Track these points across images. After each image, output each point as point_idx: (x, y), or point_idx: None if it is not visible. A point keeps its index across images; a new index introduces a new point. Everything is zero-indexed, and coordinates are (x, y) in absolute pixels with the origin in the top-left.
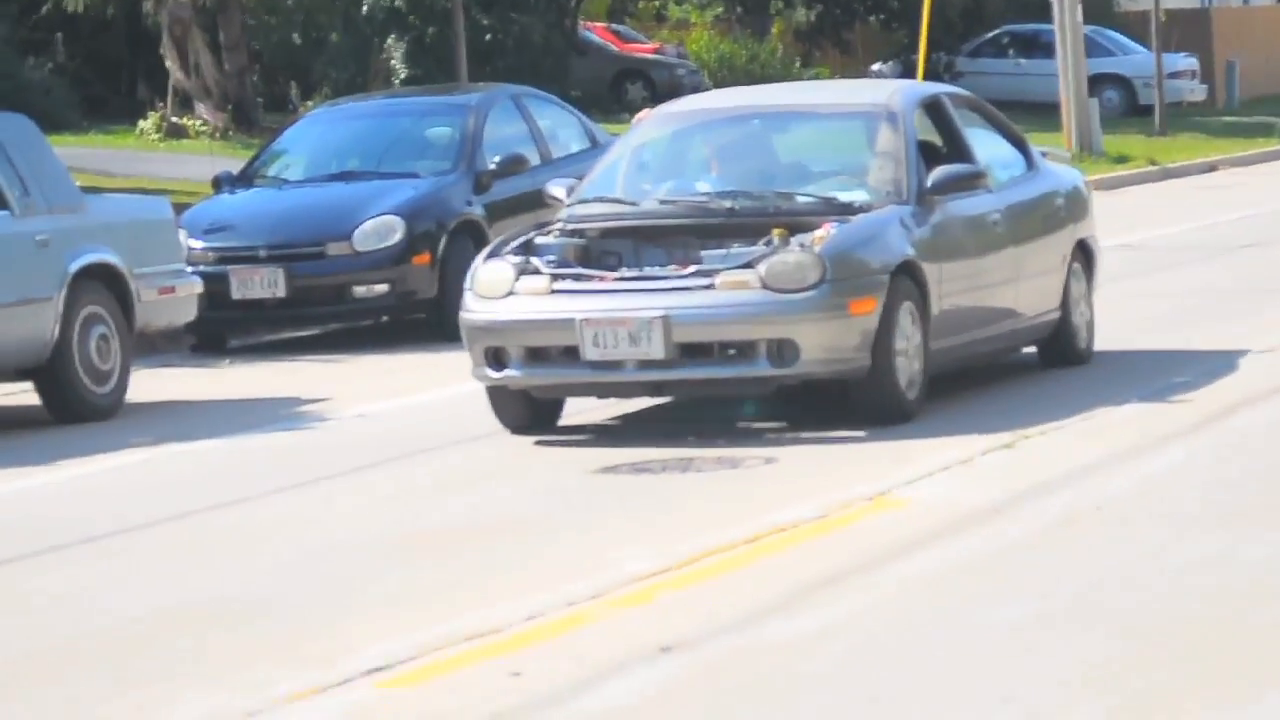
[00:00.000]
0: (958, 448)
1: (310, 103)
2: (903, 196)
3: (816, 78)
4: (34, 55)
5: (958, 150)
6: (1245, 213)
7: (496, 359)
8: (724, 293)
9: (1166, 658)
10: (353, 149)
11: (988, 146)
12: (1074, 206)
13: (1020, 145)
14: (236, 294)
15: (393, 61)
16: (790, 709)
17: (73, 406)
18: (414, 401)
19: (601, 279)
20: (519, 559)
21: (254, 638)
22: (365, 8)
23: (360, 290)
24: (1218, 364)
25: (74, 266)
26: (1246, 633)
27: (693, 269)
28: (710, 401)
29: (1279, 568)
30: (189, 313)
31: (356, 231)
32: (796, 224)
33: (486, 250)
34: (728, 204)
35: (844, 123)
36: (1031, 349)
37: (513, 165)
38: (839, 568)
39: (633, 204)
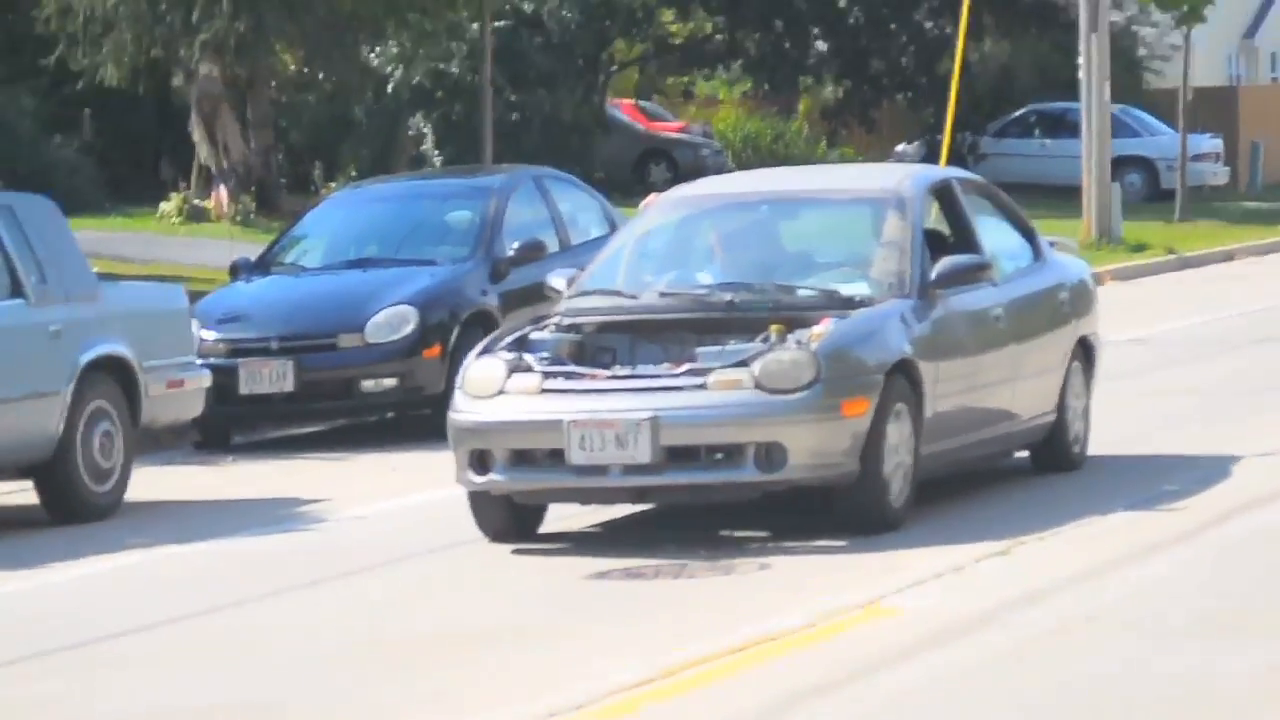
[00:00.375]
0: (946, 556)
1: (334, 184)
2: (905, 289)
3: (841, 157)
4: (61, 133)
5: (965, 239)
6: (1260, 305)
7: (481, 463)
8: (716, 393)
9: None
10: (372, 234)
11: (996, 235)
12: (1079, 301)
13: (1028, 235)
14: (244, 388)
15: (424, 145)
16: None
17: (72, 506)
18: (412, 502)
19: (593, 378)
20: (505, 667)
21: None
22: (391, 86)
23: (368, 384)
24: (1211, 470)
25: (84, 359)
26: None
27: (686, 368)
28: (693, 510)
29: (1260, 681)
30: (196, 408)
31: (369, 323)
32: (796, 319)
33: (480, 346)
34: (727, 298)
35: (852, 209)
36: (1024, 453)
37: (531, 252)
38: (826, 678)
39: (631, 297)
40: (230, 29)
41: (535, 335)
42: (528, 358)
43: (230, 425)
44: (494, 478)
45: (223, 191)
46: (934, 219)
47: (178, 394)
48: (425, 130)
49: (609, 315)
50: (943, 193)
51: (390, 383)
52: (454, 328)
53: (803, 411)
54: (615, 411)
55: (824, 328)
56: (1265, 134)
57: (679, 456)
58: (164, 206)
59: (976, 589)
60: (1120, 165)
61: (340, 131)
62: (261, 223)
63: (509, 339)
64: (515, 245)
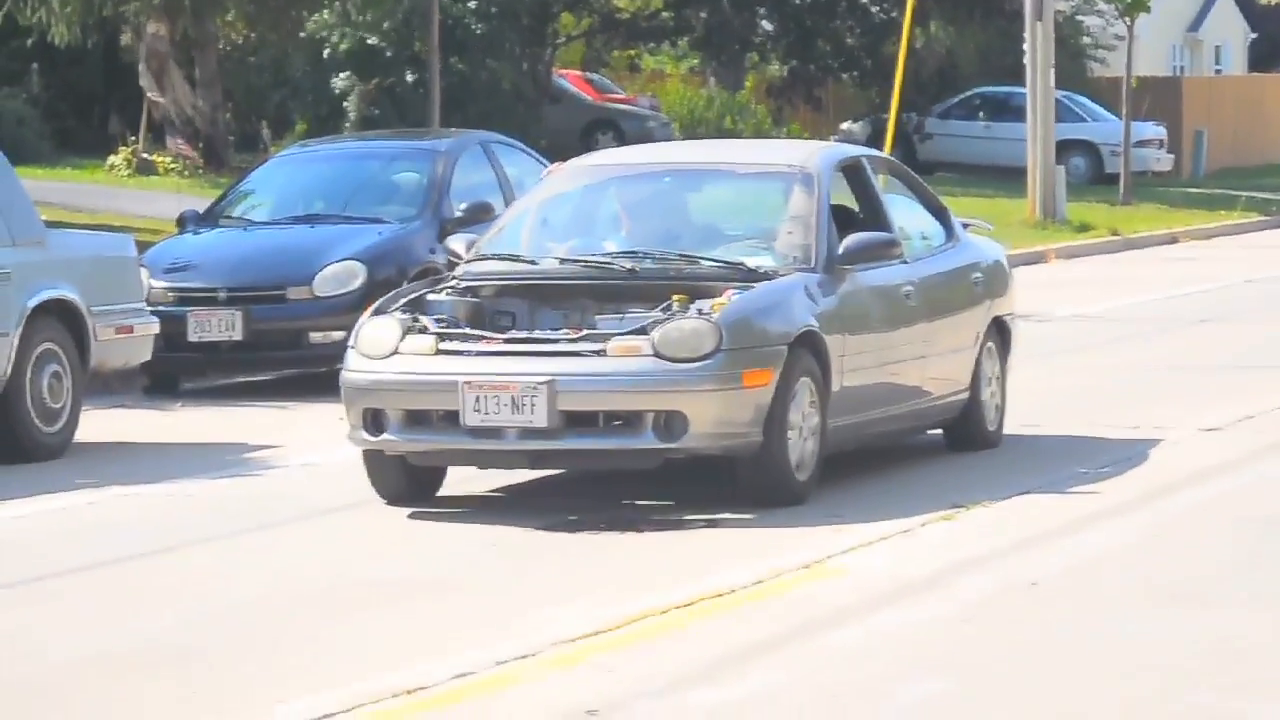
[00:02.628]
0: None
1: (282, 143)
2: (811, 263)
3: (788, 134)
4: (7, 85)
5: (875, 217)
6: (1202, 287)
7: (374, 423)
8: (614, 360)
9: None
10: (319, 192)
11: (907, 214)
12: (993, 282)
13: (941, 215)
14: (193, 335)
15: (345, 104)
16: None
17: (20, 445)
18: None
19: (489, 340)
20: (446, 618)
21: (183, 687)
22: (326, 52)
23: (316, 337)
24: (1150, 445)
25: (32, 302)
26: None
27: (585, 333)
28: (594, 478)
29: (1205, 649)
30: (145, 353)
31: (317, 276)
32: (699, 289)
33: (374, 306)
34: (629, 266)
35: (759, 183)
36: (937, 430)
37: (478, 213)
38: (773, 634)
39: (531, 263)
40: None
41: (432, 297)
42: (423, 319)
43: (179, 371)
44: (388, 438)
45: (177, 144)
46: (844, 197)
47: (127, 339)
48: (351, 95)
49: (508, 279)
50: (852, 170)
51: (338, 335)
52: (402, 284)
53: (703, 380)
54: (511, 375)
55: (726, 298)
56: (1208, 124)
57: (577, 422)
58: (113, 159)
59: (922, 552)
60: (1064, 149)
61: (284, 93)
62: (210, 177)
63: (404, 299)
64: (463, 206)
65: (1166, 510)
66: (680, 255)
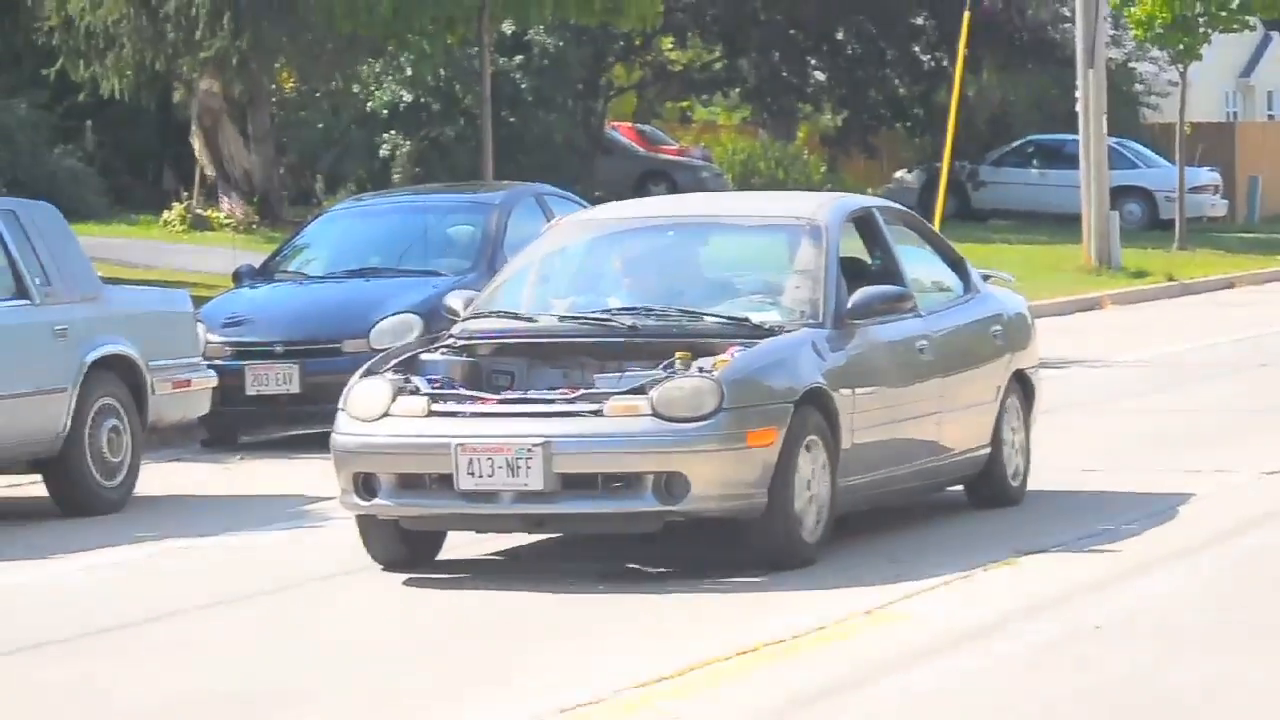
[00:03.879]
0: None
1: (335, 197)
2: (819, 319)
3: (836, 185)
4: (63, 143)
5: (887, 270)
6: (1260, 331)
7: (366, 487)
8: (612, 420)
9: None
10: (374, 245)
11: (923, 267)
12: (1013, 335)
13: (958, 267)
14: (251, 389)
15: (392, 161)
16: None
17: (81, 499)
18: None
19: (483, 401)
20: (509, 666)
21: None
22: (370, 106)
23: None
24: (1213, 488)
25: (90, 357)
26: None
27: (581, 392)
28: (597, 541)
29: (1274, 693)
30: (202, 407)
31: (374, 329)
32: (702, 346)
33: (365, 366)
34: (629, 323)
35: (765, 236)
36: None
37: None
38: (836, 681)
39: (530, 320)
40: (231, 47)
41: (426, 356)
42: (415, 380)
43: (237, 425)
44: (380, 502)
45: (232, 200)
46: (858, 251)
47: (184, 393)
48: (400, 150)
49: (505, 337)
50: (863, 222)
51: None
52: None
53: (705, 441)
54: (506, 436)
55: (729, 355)
56: (1262, 169)
57: (575, 484)
58: (167, 215)
59: (985, 598)
60: (1119, 195)
61: (336, 149)
62: (265, 232)
63: (396, 360)
64: None
65: (1231, 553)
66: (683, 311)
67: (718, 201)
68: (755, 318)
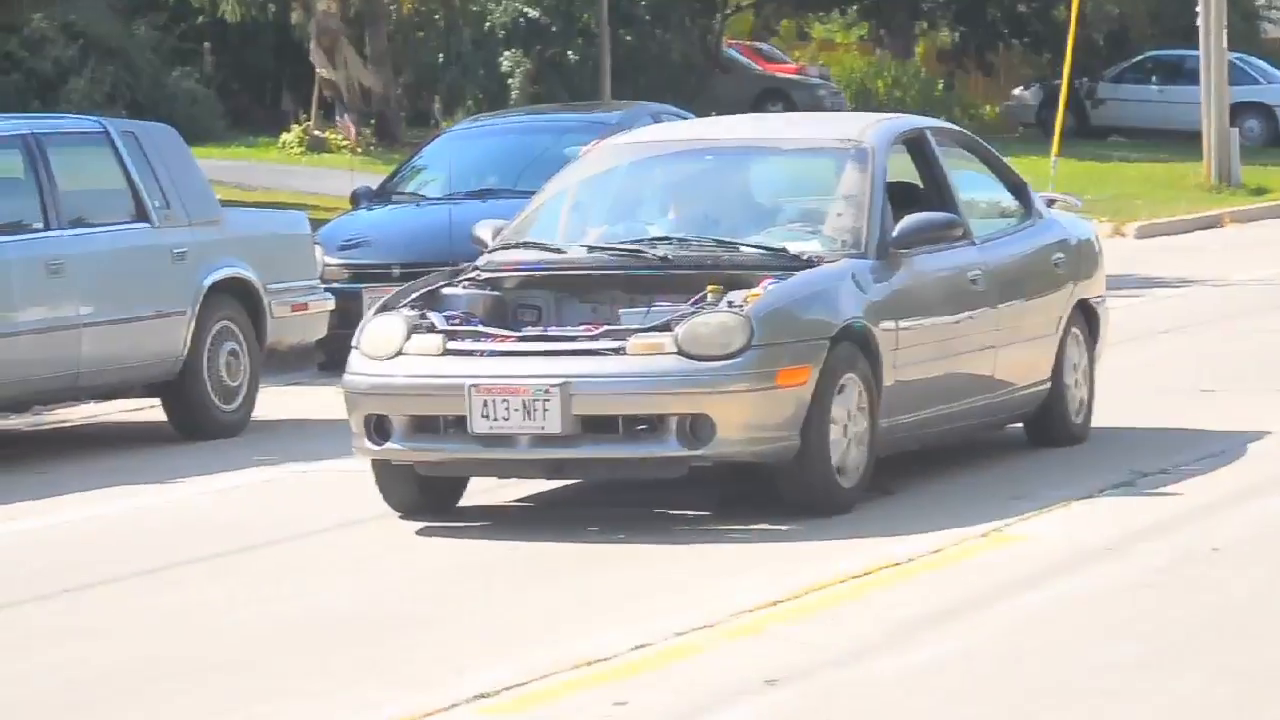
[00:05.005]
0: (1068, 487)
1: (452, 118)
2: (861, 248)
3: (959, 101)
4: (181, 65)
5: (939, 195)
6: None
7: (379, 430)
8: (634, 359)
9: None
10: (492, 167)
11: (981, 191)
12: (1078, 263)
13: (1019, 191)
14: (368, 311)
15: (510, 80)
16: None
17: (199, 423)
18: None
19: (501, 339)
20: (626, 588)
21: (366, 658)
22: (488, 24)
23: None
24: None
25: (209, 280)
26: None
27: (603, 329)
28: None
29: None
30: (320, 330)
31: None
32: (737, 279)
33: (381, 301)
34: (661, 254)
35: (809, 161)
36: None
37: None
38: (952, 603)
39: (558, 251)
40: None
41: (448, 291)
42: (432, 316)
43: None
44: (392, 446)
45: (348, 120)
46: (909, 174)
47: (302, 316)
48: (519, 69)
49: (529, 270)
50: (915, 144)
51: None
52: None
53: (731, 380)
54: (522, 377)
55: (762, 289)
56: None
57: (595, 428)
58: (285, 137)
59: (1100, 520)
60: (1239, 111)
61: (454, 70)
62: (382, 154)
63: (416, 294)
64: None
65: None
66: (718, 242)
67: (762, 124)
68: (794, 248)
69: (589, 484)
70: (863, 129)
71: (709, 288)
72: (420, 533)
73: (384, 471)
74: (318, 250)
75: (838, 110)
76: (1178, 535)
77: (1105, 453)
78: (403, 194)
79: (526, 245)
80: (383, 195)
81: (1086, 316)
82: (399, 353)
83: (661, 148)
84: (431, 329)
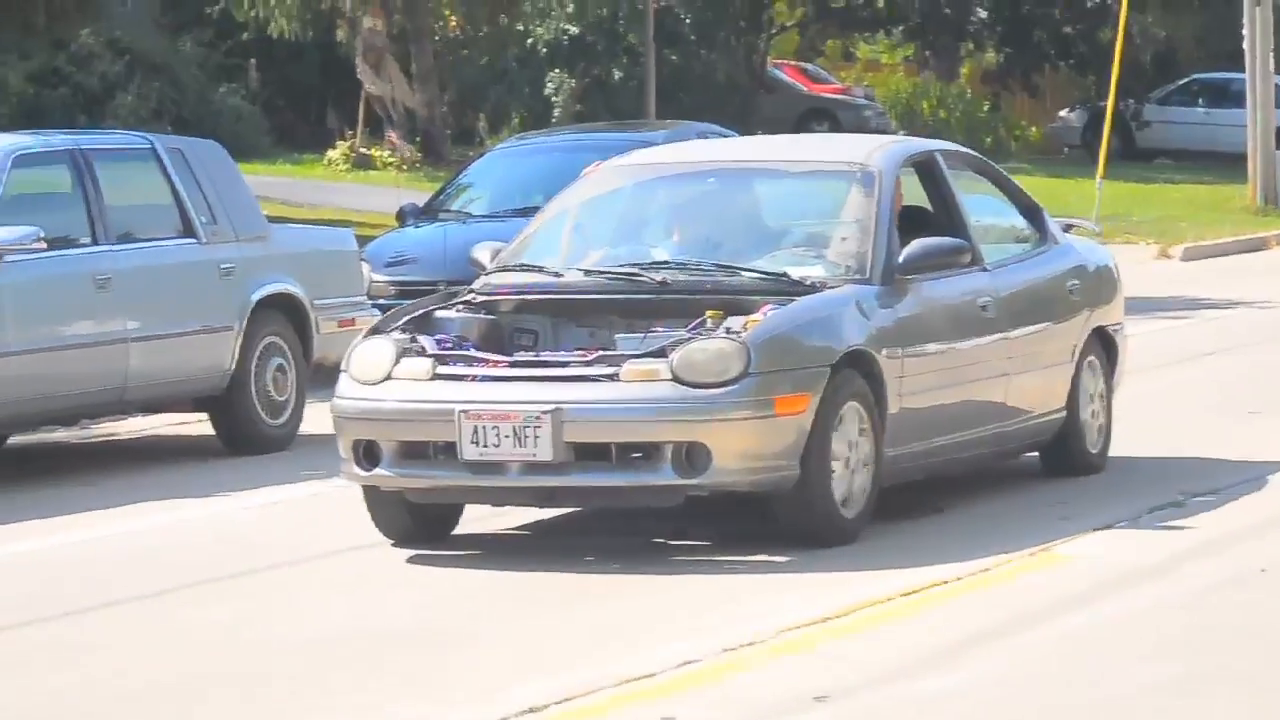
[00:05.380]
0: (1116, 509)
1: (498, 136)
2: (866, 274)
3: (1003, 122)
4: (227, 81)
5: (949, 219)
6: None
7: (368, 455)
8: (628, 385)
9: None
10: (538, 184)
11: (994, 216)
12: (1094, 289)
13: (1033, 215)
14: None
15: (554, 98)
16: None
17: (246, 438)
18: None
19: (492, 364)
20: (674, 606)
21: (409, 673)
22: (530, 41)
23: None
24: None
25: (256, 296)
26: None
27: (597, 355)
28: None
29: None
30: None
31: None
32: (736, 304)
33: (373, 324)
34: (659, 278)
35: (814, 183)
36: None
37: None
38: (999, 622)
39: (554, 274)
40: None
41: (441, 314)
42: (422, 339)
43: None
44: (381, 472)
45: (394, 137)
46: (920, 199)
47: (349, 332)
48: (564, 88)
49: (525, 293)
50: (924, 167)
51: None
52: None
53: (728, 408)
54: (513, 403)
55: (762, 314)
56: None
57: (588, 455)
58: (330, 154)
59: (1149, 540)
60: None
61: (499, 88)
62: (427, 171)
63: (407, 317)
64: None
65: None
66: (718, 266)
67: (767, 146)
68: (796, 273)
69: (599, 513)
70: (870, 151)
71: (708, 313)
72: (464, 547)
73: (374, 498)
74: (365, 267)
75: (882, 131)
76: (1225, 556)
77: (1153, 474)
78: (449, 211)
79: (524, 268)
80: (429, 212)
81: (1104, 344)
82: (388, 377)
83: (665, 169)
84: (421, 353)
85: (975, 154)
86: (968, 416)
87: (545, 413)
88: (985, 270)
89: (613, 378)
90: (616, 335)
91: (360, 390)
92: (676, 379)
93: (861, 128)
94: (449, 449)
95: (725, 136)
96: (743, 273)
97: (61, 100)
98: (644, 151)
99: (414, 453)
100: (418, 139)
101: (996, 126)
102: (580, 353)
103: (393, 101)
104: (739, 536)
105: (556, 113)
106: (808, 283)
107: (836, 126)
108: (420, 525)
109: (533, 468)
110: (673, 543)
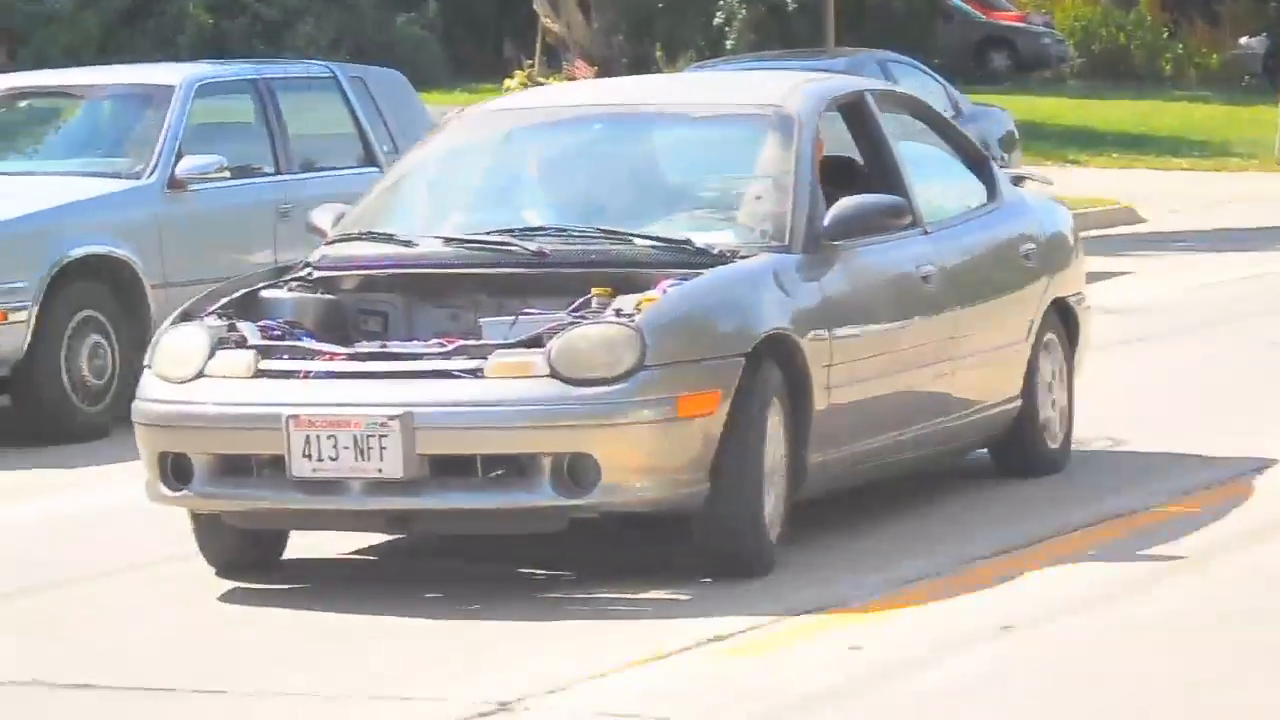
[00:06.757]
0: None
1: (675, 65)
2: (785, 240)
3: (1183, 50)
4: (405, 11)
5: (882, 172)
6: None
7: (176, 470)
8: (496, 382)
9: None
10: None
11: (934, 169)
12: (1051, 255)
13: (980, 168)
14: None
15: (726, 28)
16: (1120, 694)
17: None
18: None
19: (328, 357)
20: (863, 537)
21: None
22: None
23: None
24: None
25: None
26: None
27: (457, 344)
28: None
29: None
30: None
31: None
32: (630, 278)
33: (182, 308)
34: (533, 247)
35: (720, 130)
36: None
37: None
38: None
39: (407, 244)
40: None
41: (269, 294)
42: (242, 327)
43: None
44: (192, 492)
45: (575, 66)
46: (846, 147)
47: None
48: (737, 17)
49: (371, 267)
50: (852, 109)
51: None
52: None
53: (620, 410)
54: (354, 406)
55: (659, 292)
56: None
57: (446, 470)
58: (508, 83)
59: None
60: None
61: (673, 16)
62: None
63: (226, 298)
64: None
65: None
66: (606, 232)
67: (664, 86)
68: (700, 239)
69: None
70: (787, 92)
71: (594, 291)
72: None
73: (201, 522)
74: None
75: (1062, 61)
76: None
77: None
78: None
79: (370, 236)
80: None
81: (1064, 319)
82: (200, 374)
83: (540, 115)
84: (241, 343)
85: (910, 95)
86: (908, 411)
87: (392, 418)
88: (925, 234)
89: (476, 373)
90: (482, 319)
91: (166, 390)
92: (555, 374)
93: (1040, 55)
94: (276, 463)
95: (906, 64)
96: (635, 240)
97: (241, 30)
98: (517, 95)
99: (233, 468)
100: (594, 68)
101: (1175, 54)
102: (437, 342)
103: (569, 31)
104: (621, 567)
105: (729, 41)
106: (714, 251)
107: (1015, 55)
108: (249, 550)
109: (379, 487)
110: (540, 573)
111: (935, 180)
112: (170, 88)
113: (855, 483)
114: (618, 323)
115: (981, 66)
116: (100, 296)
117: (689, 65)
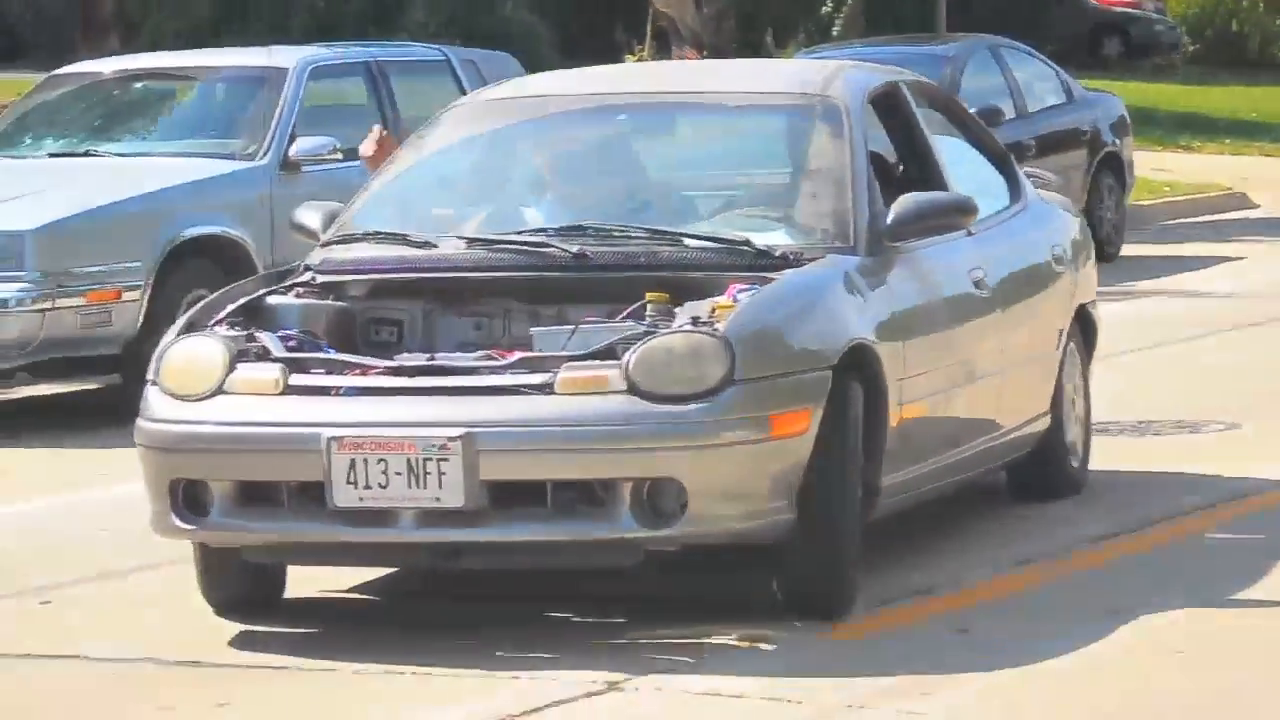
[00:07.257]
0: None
1: (784, 50)
2: (850, 241)
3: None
4: None
5: (922, 170)
6: None
7: (190, 500)
8: (567, 399)
9: None
10: None
11: (962, 166)
12: (1075, 257)
13: (1003, 165)
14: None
15: (835, 14)
16: (1220, 677)
17: None
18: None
19: (369, 371)
20: (969, 522)
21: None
22: None
23: None
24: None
25: None
26: None
27: (517, 357)
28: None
29: None
30: None
31: None
32: (685, 284)
33: (182, 319)
34: (574, 249)
35: (761, 121)
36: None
37: (989, 118)
38: None
39: (423, 245)
40: None
41: (274, 300)
42: (263, 337)
43: None
44: (212, 524)
45: (687, 51)
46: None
47: None
48: (847, 2)
49: (387, 270)
50: (887, 100)
51: None
52: None
53: (709, 430)
54: (408, 426)
55: (730, 298)
56: None
57: (509, 499)
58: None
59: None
60: None
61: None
62: None
63: (233, 305)
64: (973, 111)
65: None
66: (652, 232)
67: (692, 73)
68: (758, 239)
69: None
70: (828, 79)
71: (648, 296)
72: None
73: (204, 554)
74: None
75: (1174, 47)
76: None
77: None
78: None
79: (378, 237)
80: None
81: (1084, 327)
82: (219, 390)
83: (559, 104)
84: (264, 355)
85: (936, 85)
86: (965, 428)
87: (453, 439)
88: (970, 235)
89: (545, 389)
90: (534, 330)
91: (178, 409)
92: (634, 389)
93: (1152, 42)
94: (308, 491)
95: (1019, 50)
96: (687, 241)
97: (354, 12)
98: (533, 78)
99: (260, 496)
100: (705, 53)
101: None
102: (488, 354)
103: (680, 15)
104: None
105: (836, 28)
106: (777, 253)
107: (1127, 42)
108: (255, 589)
109: (435, 517)
110: (576, 620)
111: (965, 178)
112: (284, 70)
113: (907, 507)
114: (702, 332)
115: (1093, 53)
116: (212, 277)
117: (798, 51)
